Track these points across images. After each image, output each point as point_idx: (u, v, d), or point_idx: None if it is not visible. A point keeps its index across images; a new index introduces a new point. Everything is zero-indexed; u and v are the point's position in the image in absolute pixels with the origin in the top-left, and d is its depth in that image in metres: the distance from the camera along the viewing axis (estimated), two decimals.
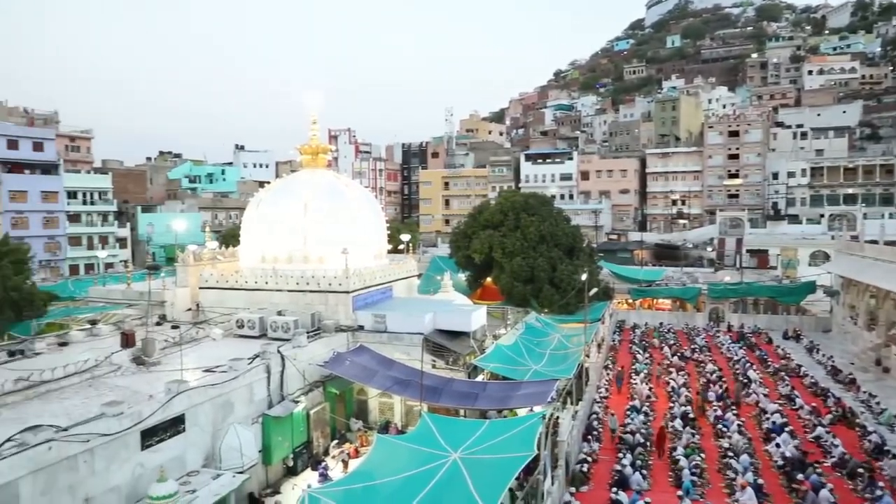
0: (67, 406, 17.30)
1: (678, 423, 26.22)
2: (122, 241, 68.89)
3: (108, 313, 32.00)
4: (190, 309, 30.14)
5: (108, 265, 63.90)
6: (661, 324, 50.56)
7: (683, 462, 21.88)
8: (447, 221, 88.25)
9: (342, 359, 24.40)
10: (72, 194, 63.85)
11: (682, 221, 78.74)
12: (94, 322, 28.66)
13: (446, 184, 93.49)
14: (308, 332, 25.77)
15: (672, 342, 43.96)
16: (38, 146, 60.88)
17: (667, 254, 70.24)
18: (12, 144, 59.16)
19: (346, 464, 22.26)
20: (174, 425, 17.44)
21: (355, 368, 23.93)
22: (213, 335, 26.25)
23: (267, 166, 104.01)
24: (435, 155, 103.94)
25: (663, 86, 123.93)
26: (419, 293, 36.64)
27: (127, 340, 23.29)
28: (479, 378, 25.84)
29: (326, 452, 23.73)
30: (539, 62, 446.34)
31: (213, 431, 18.97)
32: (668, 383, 32.78)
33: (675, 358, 38.80)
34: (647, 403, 29.53)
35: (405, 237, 38.96)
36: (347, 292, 27.79)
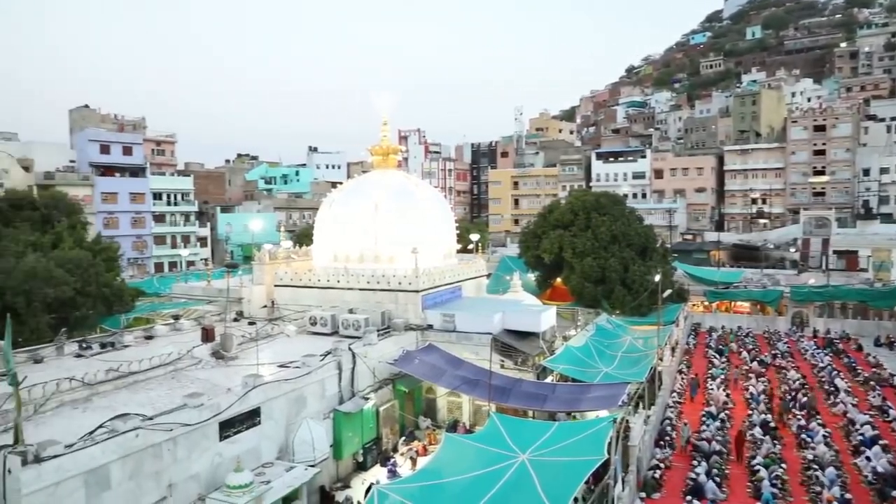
0: (152, 396, 18.19)
1: (757, 431, 25.08)
2: (202, 241, 72.00)
3: (190, 309, 33.52)
4: (265, 306, 31.16)
5: (190, 263, 66.92)
6: (738, 327, 48.54)
7: (763, 473, 20.92)
8: (516, 221, 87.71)
9: (411, 357, 24.64)
10: (157, 195, 67.22)
11: (762, 221, 75.34)
12: (176, 317, 30.07)
13: (515, 183, 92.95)
14: (378, 331, 26.16)
15: (751, 347, 42.12)
16: (127, 150, 64.45)
17: (746, 255, 67.42)
18: (105, 149, 62.87)
19: (414, 461, 22.47)
20: (250, 418, 18.06)
21: (424, 367, 24.12)
22: (287, 332, 27.05)
23: (339, 167, 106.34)
24: (504, 154, 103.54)
25: (742, 79, 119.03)
26: (488, 293, 36.59)
27: (207, 335, 24.29)
28: (548, 379, 25.55)
29: (395, 449, 24.02)
30: (611, 58, 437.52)
31: (287, 425, 19.53)
32: (746, 389, 31.42)
33: (755, 363, 37.17)
34: (725, 410, 28.41)
35: (474, 237, 38.98)
36: (417, 291, 28.04)
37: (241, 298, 31.58)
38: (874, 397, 30.17)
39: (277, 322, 28.86)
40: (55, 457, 12.88)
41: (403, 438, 24.69)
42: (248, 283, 32.88)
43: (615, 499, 17.08)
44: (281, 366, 21.01)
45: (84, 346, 23.58)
